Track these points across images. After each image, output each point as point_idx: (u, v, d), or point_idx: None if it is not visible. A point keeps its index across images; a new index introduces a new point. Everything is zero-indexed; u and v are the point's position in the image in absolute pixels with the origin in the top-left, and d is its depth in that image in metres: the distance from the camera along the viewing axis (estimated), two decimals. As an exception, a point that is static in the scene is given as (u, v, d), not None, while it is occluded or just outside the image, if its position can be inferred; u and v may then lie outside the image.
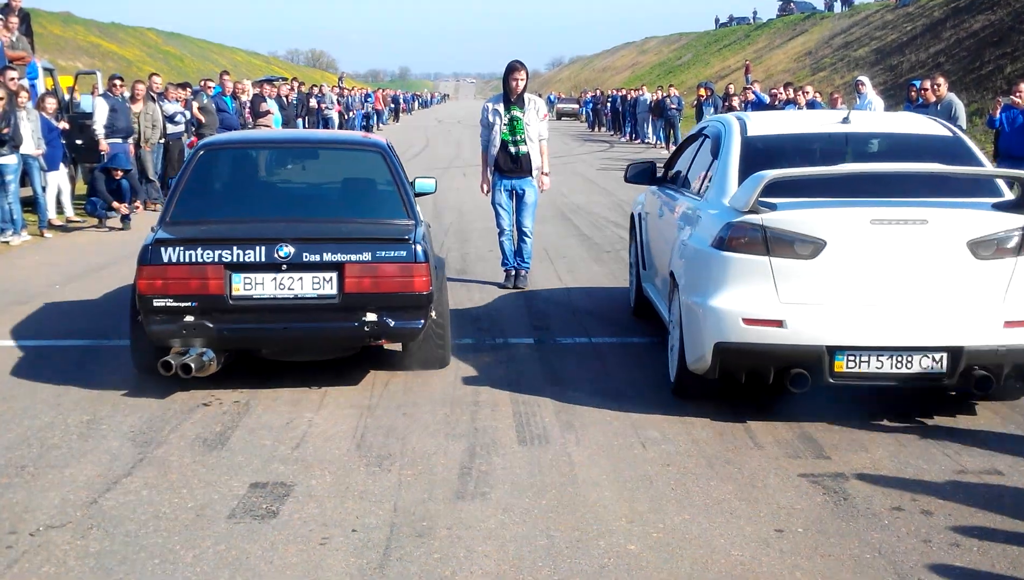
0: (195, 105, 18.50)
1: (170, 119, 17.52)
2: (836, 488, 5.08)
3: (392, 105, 64.33)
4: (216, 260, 6.27)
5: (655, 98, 35.12)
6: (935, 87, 13.55)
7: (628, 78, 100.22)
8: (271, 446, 5.63)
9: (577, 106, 68.10)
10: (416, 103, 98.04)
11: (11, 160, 12.63)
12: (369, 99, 49.29)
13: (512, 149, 9.90)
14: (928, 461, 5.45)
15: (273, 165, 9.06)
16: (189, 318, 6.22)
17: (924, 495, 5.00)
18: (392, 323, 6.42)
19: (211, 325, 6.22)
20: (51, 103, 14.76)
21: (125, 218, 14.22)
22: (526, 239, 10.19)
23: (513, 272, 10.23)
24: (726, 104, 23.74)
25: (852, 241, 5.73)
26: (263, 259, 6.29)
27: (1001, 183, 6.28)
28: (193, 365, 6.16)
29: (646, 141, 37.22)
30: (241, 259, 6.28)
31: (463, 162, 28.21)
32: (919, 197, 5.98)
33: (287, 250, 6.29)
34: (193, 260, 6.28)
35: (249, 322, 6.43)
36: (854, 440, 5.76)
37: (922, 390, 6.27)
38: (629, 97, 41.04)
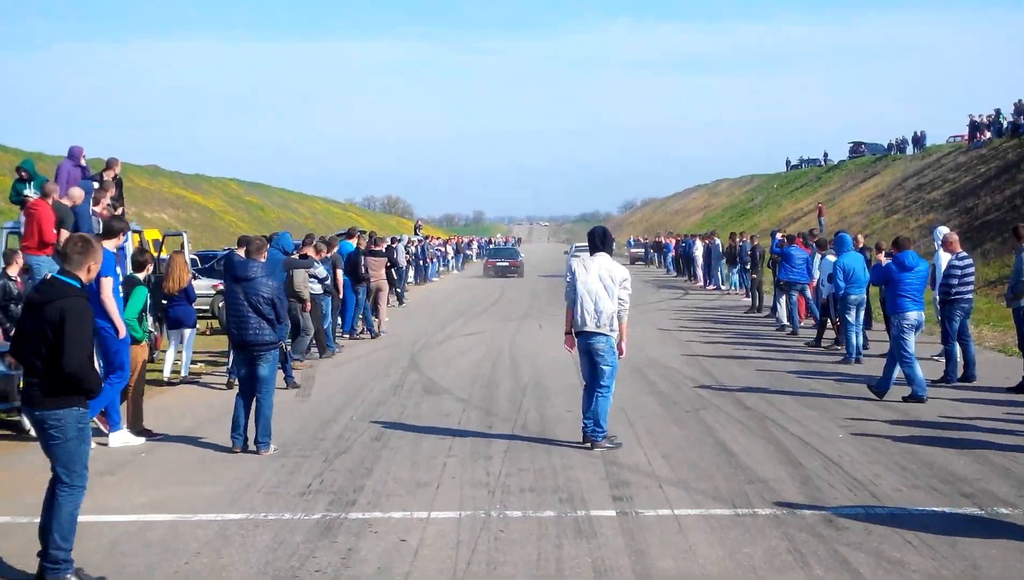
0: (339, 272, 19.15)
1: (320, 281, 17.65)
2: None
3: (467, 252, 65.60)
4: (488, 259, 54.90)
5: (733, 244, 34.84)
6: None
7: (700, 221, 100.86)
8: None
9: (643, 251, 69.30)
10: (491, 247, 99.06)
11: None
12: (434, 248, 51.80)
13: None
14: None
15: (501, 247, 64.01)
16: None
17: None
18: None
19: None
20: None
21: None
22: None
23: None
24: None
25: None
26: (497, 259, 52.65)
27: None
28: None
29: (720, 288, 37.11)
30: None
31: (539, 312, 28.38)
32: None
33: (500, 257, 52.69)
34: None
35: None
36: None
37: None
38: (706, 243, 41.09)
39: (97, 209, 14.95)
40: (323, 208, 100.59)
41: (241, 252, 15.09)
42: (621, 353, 10.40)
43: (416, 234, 49.54)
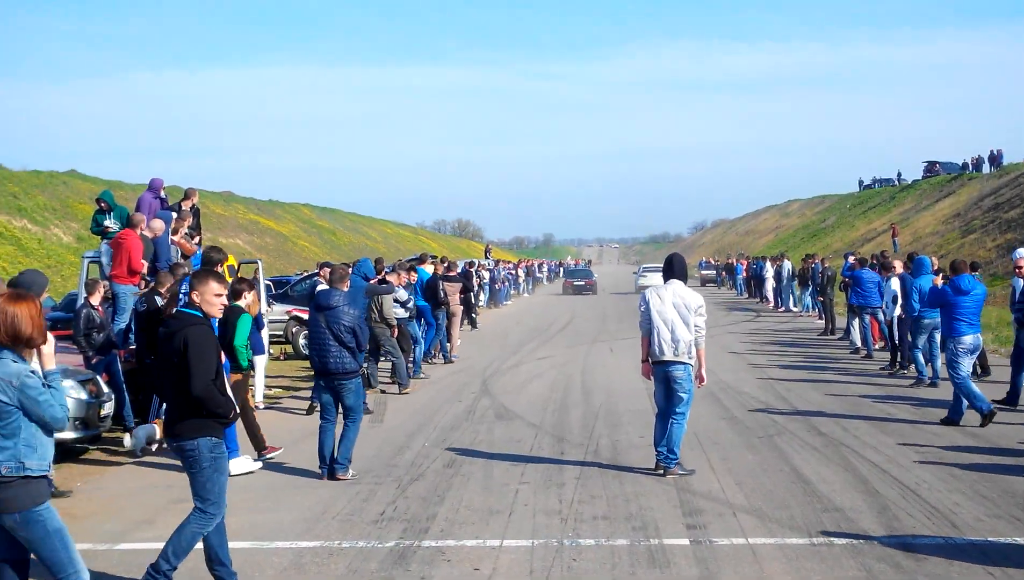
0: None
1: (403, 305, 17.93)
2: None
3: (538, 276, 65.97)
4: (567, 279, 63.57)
5: (804, 266, 34.42)
6: None
7: (772, 241, 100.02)
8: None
9: (713, 273, 69.39)
10: (562, 270, 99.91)
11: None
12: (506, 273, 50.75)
13: None
14: None
15: (577, 269, 73.69)
16: None
17: None
18: None
19: None
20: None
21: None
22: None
23: None
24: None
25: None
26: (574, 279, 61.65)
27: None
28: None
29: (791, 310, 36.71)
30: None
31: (609, 335, 28.31)
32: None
33: (577, 277, 61.94)
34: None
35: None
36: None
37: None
38: (776, 265, 40.71)
39: (175, 238, 15.26)
40: (394, 232, 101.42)
41: (324, 276, 15.26)
42: (702, 381, 10.38)
43: (487, 258, 49.77)
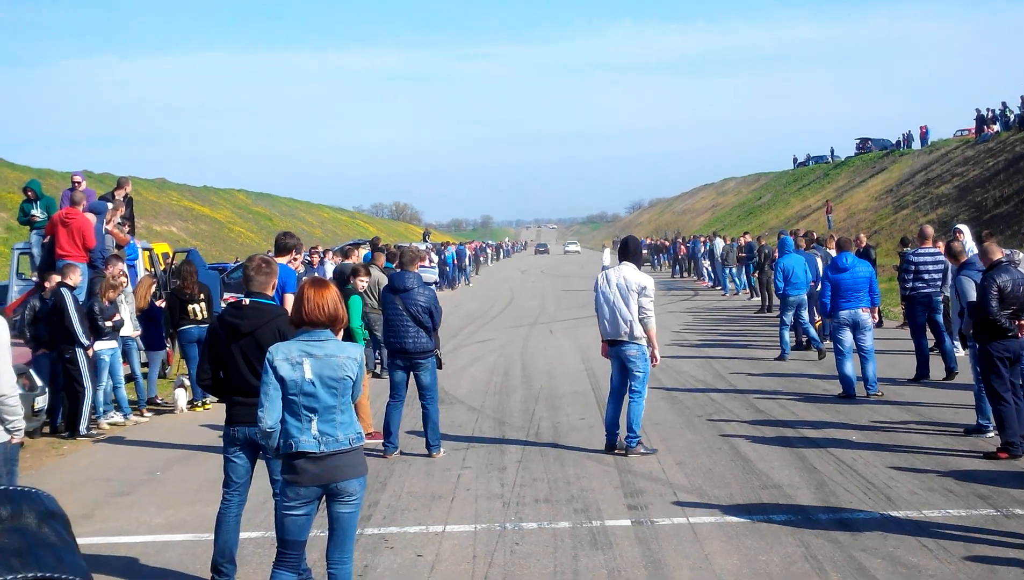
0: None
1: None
2: None
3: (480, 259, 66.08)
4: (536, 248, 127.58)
5: (742, 243, 34.51)
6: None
7: (708, 220, 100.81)
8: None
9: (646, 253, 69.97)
10: (501, 253, 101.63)
11: (111, 345, 13.00)
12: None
13: None
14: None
15: (540, 244, 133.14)
16: None
17: None
18: None
19: None
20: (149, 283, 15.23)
21: None
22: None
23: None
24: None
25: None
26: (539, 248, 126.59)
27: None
28: None
29: (727, 287, 36.97)
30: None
31: (549, 317, 28.36)
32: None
33: (540, 247, 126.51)
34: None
35: None
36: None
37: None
38: (706, 243, 41.02)
39: (108, 227, 15.03)
40: (331, 217, 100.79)
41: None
42: (655, 361, 10.53)
43: (425, 241, 49.60)
